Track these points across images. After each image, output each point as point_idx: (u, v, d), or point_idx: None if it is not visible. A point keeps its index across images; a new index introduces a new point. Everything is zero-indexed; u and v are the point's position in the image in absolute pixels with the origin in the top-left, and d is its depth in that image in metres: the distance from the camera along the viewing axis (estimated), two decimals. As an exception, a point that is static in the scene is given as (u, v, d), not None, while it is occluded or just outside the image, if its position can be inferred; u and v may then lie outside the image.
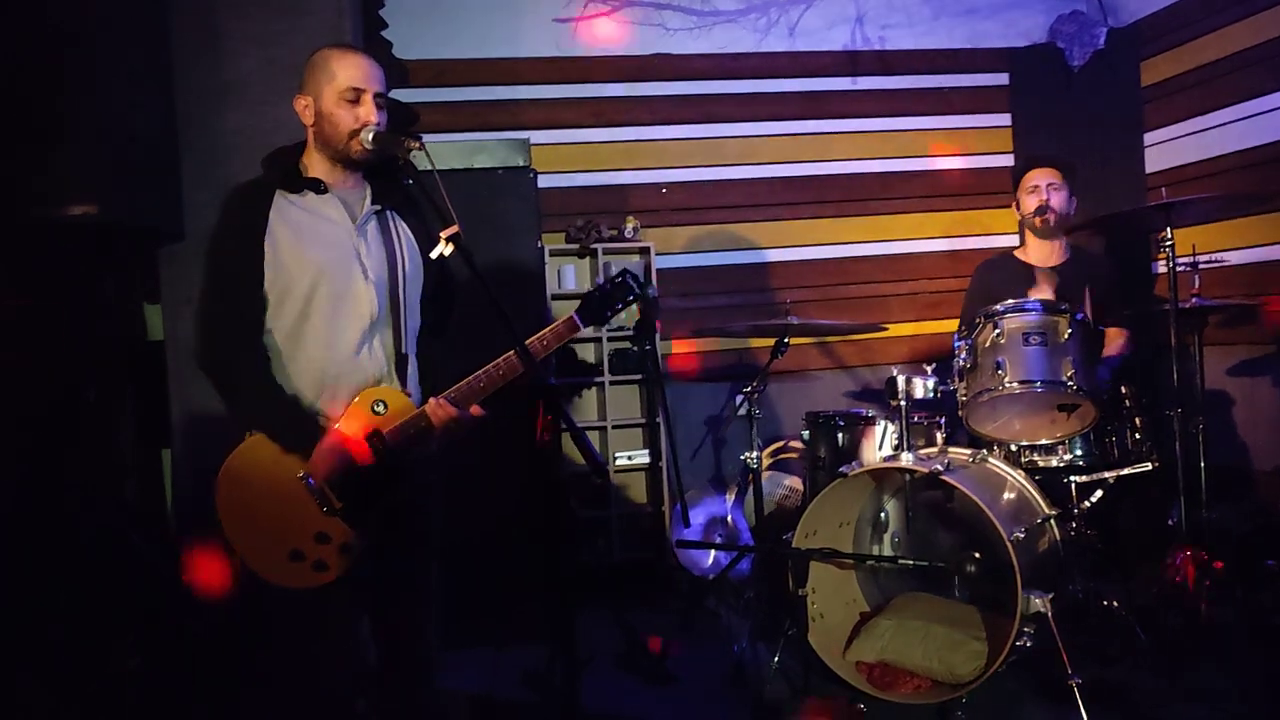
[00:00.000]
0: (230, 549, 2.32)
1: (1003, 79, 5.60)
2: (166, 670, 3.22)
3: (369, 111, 2.36)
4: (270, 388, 2.30)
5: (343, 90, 2.34)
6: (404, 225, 2.48)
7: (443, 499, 2.54)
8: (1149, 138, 5.32)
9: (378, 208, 2.43)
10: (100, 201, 3.16)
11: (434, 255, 2.32)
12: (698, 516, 4.93)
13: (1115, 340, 3.99)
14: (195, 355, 2.37)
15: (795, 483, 4.88)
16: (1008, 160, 5.56)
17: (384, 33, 4.73)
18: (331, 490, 2.28)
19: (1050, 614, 2.98)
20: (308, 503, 2.27)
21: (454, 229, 2.26)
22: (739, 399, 4.01)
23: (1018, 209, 4.13)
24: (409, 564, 2.46)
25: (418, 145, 2.32)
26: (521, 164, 4.32)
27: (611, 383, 5.02)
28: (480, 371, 2.35)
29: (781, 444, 4.94)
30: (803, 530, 3.37)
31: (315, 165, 2.40)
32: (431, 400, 2.33)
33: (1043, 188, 3.99)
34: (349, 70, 2.37)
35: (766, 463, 4.71)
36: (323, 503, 2.27)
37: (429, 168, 2.25)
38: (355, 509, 2.30)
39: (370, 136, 2.34)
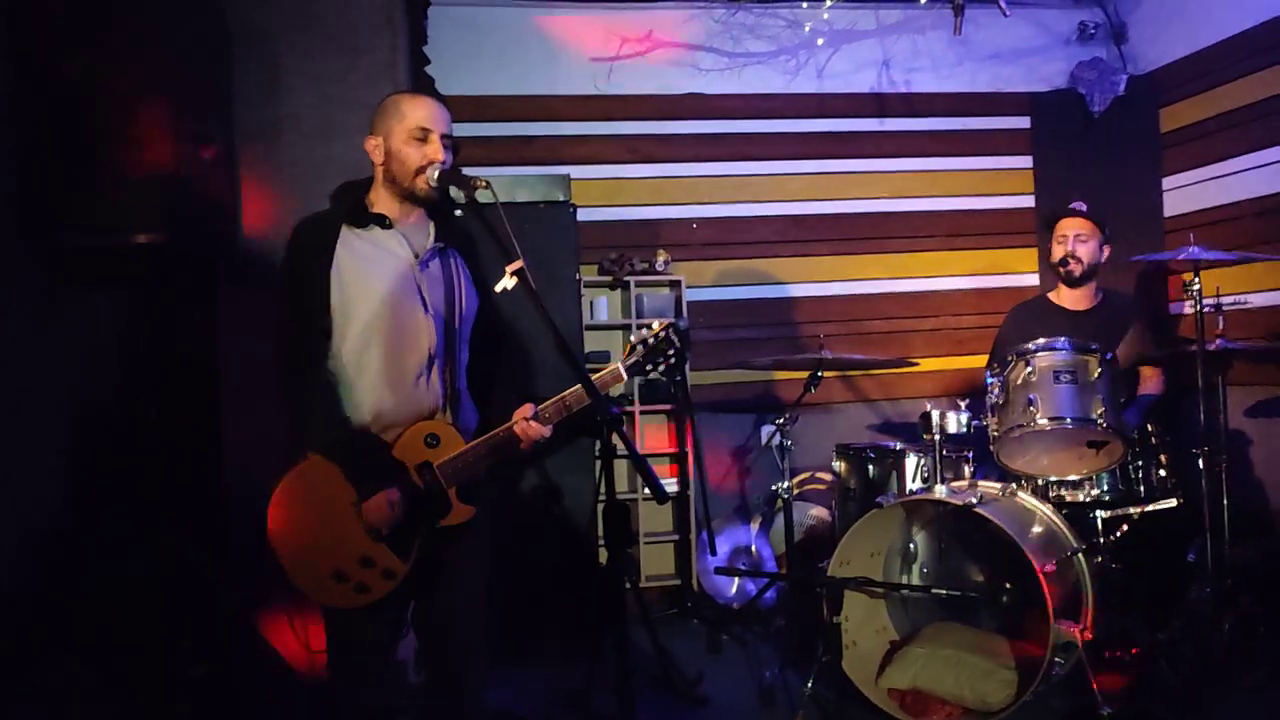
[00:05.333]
0: (277, 563, 2.38)
1: (1024, 123, 5.73)
2: (220, 682, 3.30)
3: (436, 150, 2.47)
4: (339, 417, 2.39)
5: (412, 129, 2.46)
6: (463, 264, 2.58)
7: (490, 522, 2.63)
8: (1168, 182, 5.44)
9: (440, 245, 2.53)
10: (165, 229, 3.28)
11: (498, 288, 2.42)
12: (722, 546, 5.01)
13: (1150, 379, 4.09)
14: (277, 378, 2.47)
15: (821, 513, 4.97)
16: (1029, 202, 5.70)
17: (427, 69, 4.88)
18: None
19: (1080, 645, 3.07)
20: (356, 527, 2.34)
21: (519, 263, 2.37)
22: (767, 430, 4.11)
23: (1049, 255, 4.25)
24: (458, 587, 2.53)
25: (484, 184, 2.44)
26: (562, 199, 4.44)
27: (642, 412, 5.12)
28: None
29: (808, 475, 5.03)
30: (837, 559, 3.46)
31: (381, 202, 2.51)
32: (520, 419, 2.41)
33: (1070, 238, 4.11)
34: (418, 111, 2.49)
35: (795, 492, 4.79)
36: (371, 529, 2.35)
37: (493, 205, 2.36)
38: (402, 537, 2.37)
39: (436, 174, 2.46)
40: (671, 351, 2.50)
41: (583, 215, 4.91)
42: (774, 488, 4.08)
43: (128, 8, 3.26)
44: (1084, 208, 4.13)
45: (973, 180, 5.70)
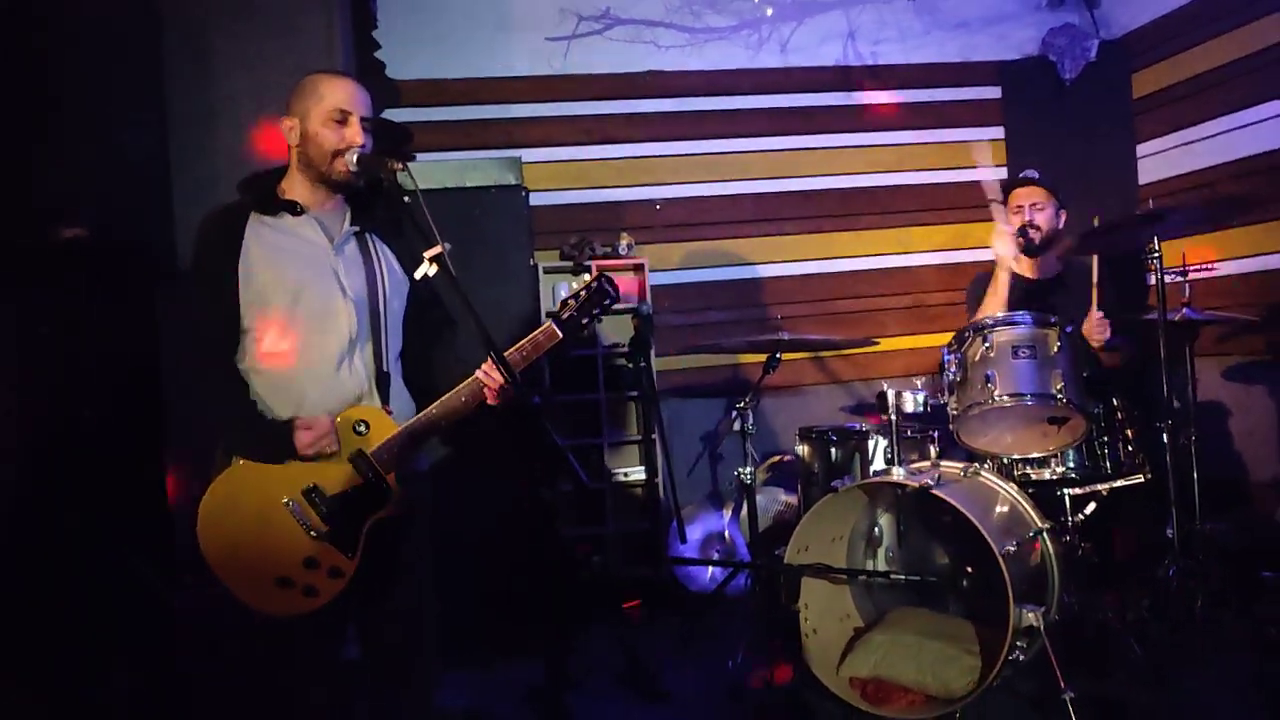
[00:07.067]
0: (217, 578, 2.30)
1: (995, 92, 5.62)
2: (158, 692, 3.21)
3: (355, 133, 2.38)
4: (246, 409, 2.31)
5: (330, 111, 2.36)
6: (385, 247, 2.50)
7: (430, 515, 2.55)
8: (1141, 149, 5.34)
9: (356, 229, 2.45)
10: (91, 224, 3.18)
11: (418, 275, 2.32)
12: (695, 532, 4.92)
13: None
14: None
15: (792, 498, 4.87)
16: (1001, 173, 5.57)
17: (377, 53, 4.76)
18: (317, 513, 2.29)
19: (1043, 628, 2.97)
20: (293, 528, 2.27)
21: (437, 249, 2.27)
22: (734, 414, 4.02)
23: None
24: (401, 583, 2.45)
25: (401, 167, 2.34)
26: (513, 182, 4.34)
27: (608, 399, 5.02)
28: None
29: (778, 459, 4.93)
30: (795, 546, 3.36)
31: (295, 188, 2.42)
32: (484, 368, 2.33)
33: (1026, 208, 4.00)
34: (336, 93, 2.39)
35: (763, 477, 4.70)
36: (308, 527, 2.27)
37: (414, 189, 2.26)
38: (342, 531, 2.29)
39: (355, 158, 2.36)
40: (607, 300, 2.42)
41: (542, 199, 4.82)
42: (737, 472, 3.98)
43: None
44: (1036, 175, 4.02)
45: (943, 153, 5.59)
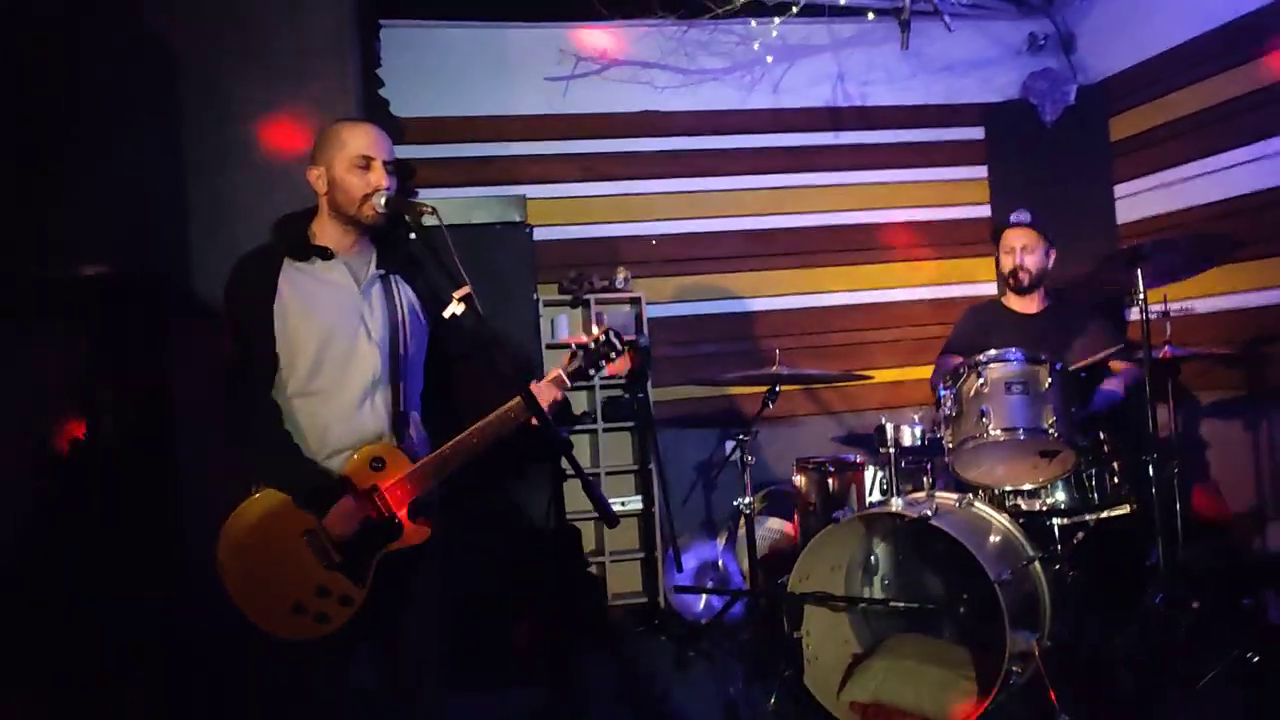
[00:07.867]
0: (231, 601, 2.38)
1: (978, 133, 5.79)
2: (159, 694, 3.26)
3: (380, 177, 2.48)
4: (286, 445, 2.40)
5: (354, 158, 2.46)
6: (407, 288, 2.60)
7: (444, 545, 2.62)
8: (1119, 190, 5.50)
9: (382, 272, 2.54)
10: (110, 260, 3.26)
11: (447, 314, 2.42)
12: (690, 561, 5.00)
13: (1114, 376, 4.10)
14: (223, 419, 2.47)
15: (785, 526, 4.97)
16: (985, 211, 5.75)
17: (381, 91, 4.87)
18: (332, 545, 2.37)
19: (1037, 653, 3.09)
20: (309, 557, 2.36)
21: (466, 289, 2.38)
22: (729, 445, 4.12)
23: (998, 266, 4.30)
24: (410, 612, 2.53)
25: (429, 209, 2.45)
26: (518, 219, 4.44)
27: (605, 430, 5.12)
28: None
29: (771, 489, 5.03)
30: (797, 574, 3.46)
31: (325, 232, 2.51)
32: (541, 383, 2.48)
33: (1017, 250, 4.15)
34: (359, 139, 2.49)
35: (757, 507, 4.79)
36: (323, 557, 2.36)
37: (439, 229, 2.36)
38: (355, 563, 2.38)
39: (383, 201, 2.46)
40: (613, 354, 2.54)
41: (541, 234, 4.92)
42: (735, 503, 4.09)
43: (66, 40, 3.25)
44: (1026, 218, 4.18)
45: (929, 191, 5.74)
